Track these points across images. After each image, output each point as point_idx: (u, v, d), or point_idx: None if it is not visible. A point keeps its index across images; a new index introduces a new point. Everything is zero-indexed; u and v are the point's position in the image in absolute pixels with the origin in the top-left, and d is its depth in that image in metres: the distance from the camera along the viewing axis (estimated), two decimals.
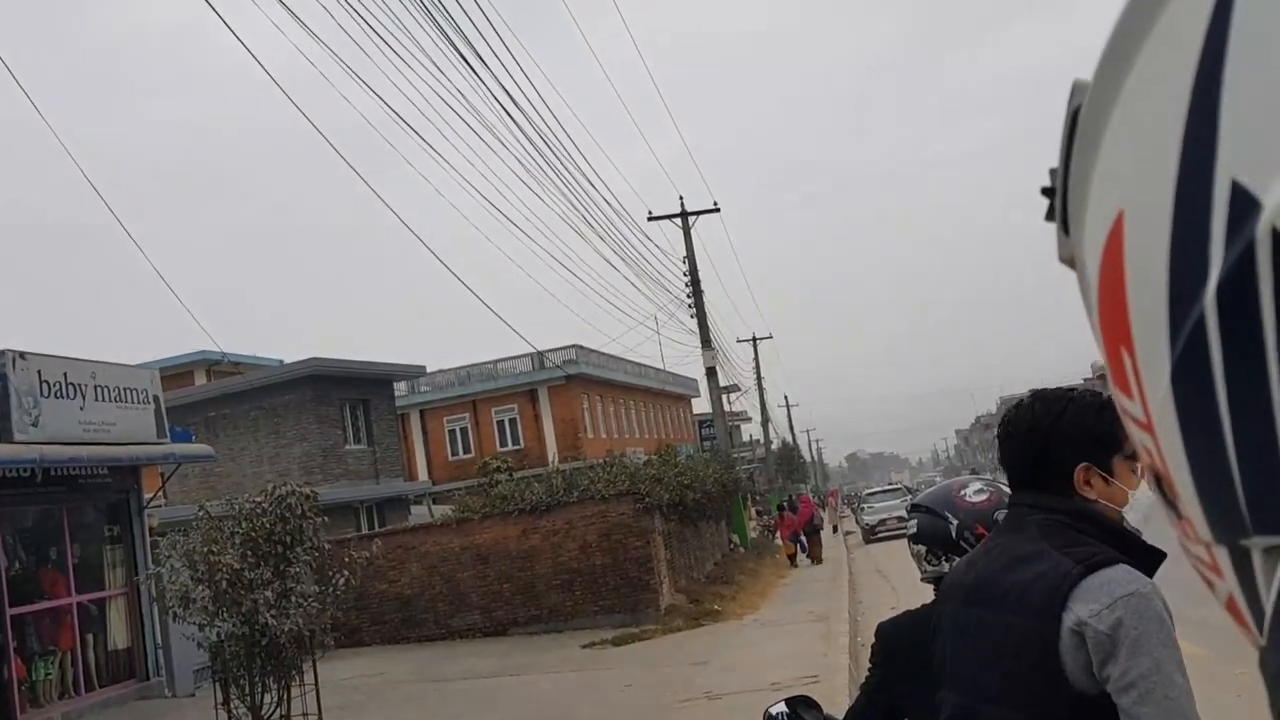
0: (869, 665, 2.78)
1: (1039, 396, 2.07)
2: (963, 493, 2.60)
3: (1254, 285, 0.49)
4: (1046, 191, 0.75)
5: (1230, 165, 0.50)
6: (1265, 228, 0.48)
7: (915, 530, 2.66)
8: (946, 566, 2.49)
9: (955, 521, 2.53)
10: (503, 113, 23.46)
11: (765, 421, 60.97)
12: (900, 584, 19.51)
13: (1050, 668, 1.78)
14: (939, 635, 2.11)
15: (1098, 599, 1.75)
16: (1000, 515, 2.34)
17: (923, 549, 2.61)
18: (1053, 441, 1.98)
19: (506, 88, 34.03)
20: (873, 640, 2.77)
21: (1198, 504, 0.56)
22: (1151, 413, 0.58)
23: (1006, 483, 2.22)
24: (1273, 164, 0.48)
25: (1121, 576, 1.78)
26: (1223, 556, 0.56)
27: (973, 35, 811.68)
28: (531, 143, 27.93)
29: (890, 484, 46.00)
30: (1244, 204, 0.49)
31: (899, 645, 2.58)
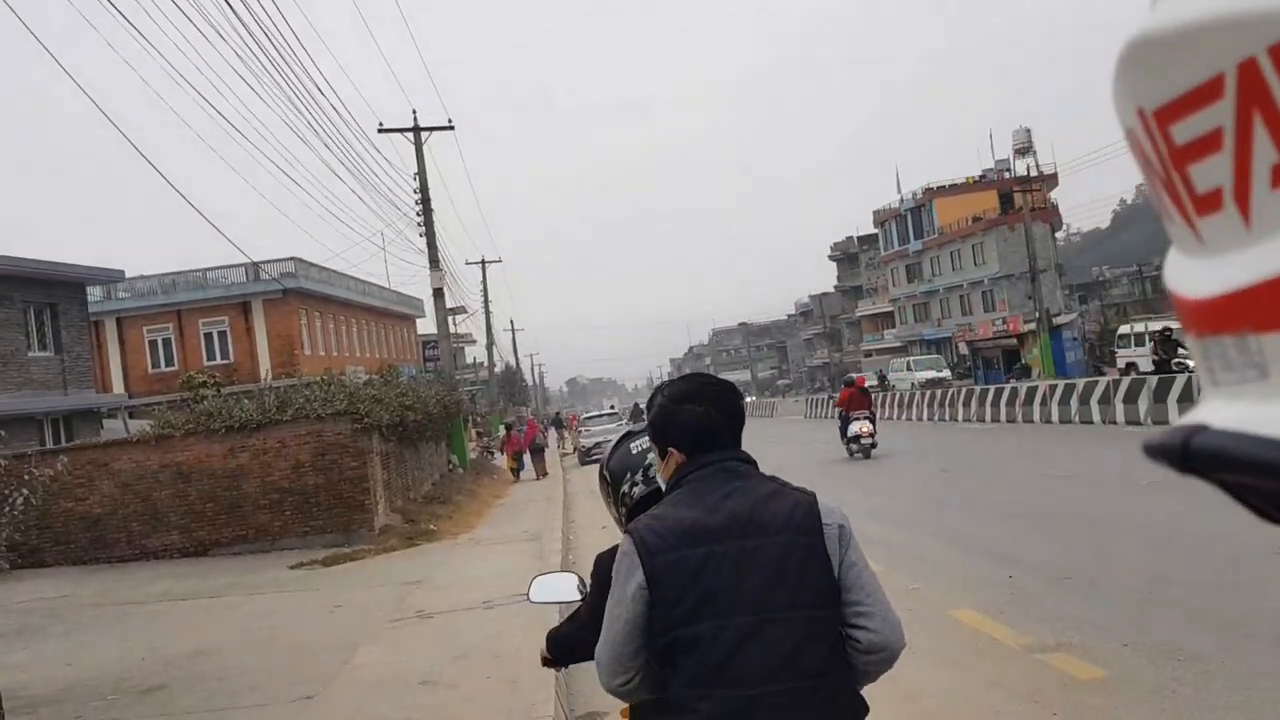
0: (581, 595, 3.10)
1: (716, 380, 2.76)
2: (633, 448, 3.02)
3: None
4: None
5: None
6: None
7: (613, 492, 3.01)
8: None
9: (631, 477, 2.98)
10: None
11: (490, 345, 60.89)
12: None
13: (824, 563, 2.42)
14: (701, 573, 2.37)
15: (832, 514, 2.48)
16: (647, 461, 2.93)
17: (622, 511, 2.96)
18: (739, 411, 2.64)
19: None
20: (591, 569, 2.95)
21: None
22: None
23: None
24: None
25: (829, 503, 2.53)
26: None
27: None
28: (250, 34, 26.12)
29: (608, 409, 47.13)
30: None
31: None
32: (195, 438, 16.45)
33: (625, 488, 2.95)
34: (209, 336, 41.30)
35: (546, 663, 3.21)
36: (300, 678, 7.76)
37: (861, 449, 22.54)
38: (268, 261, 37.38)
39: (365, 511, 16.42)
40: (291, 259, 40.59)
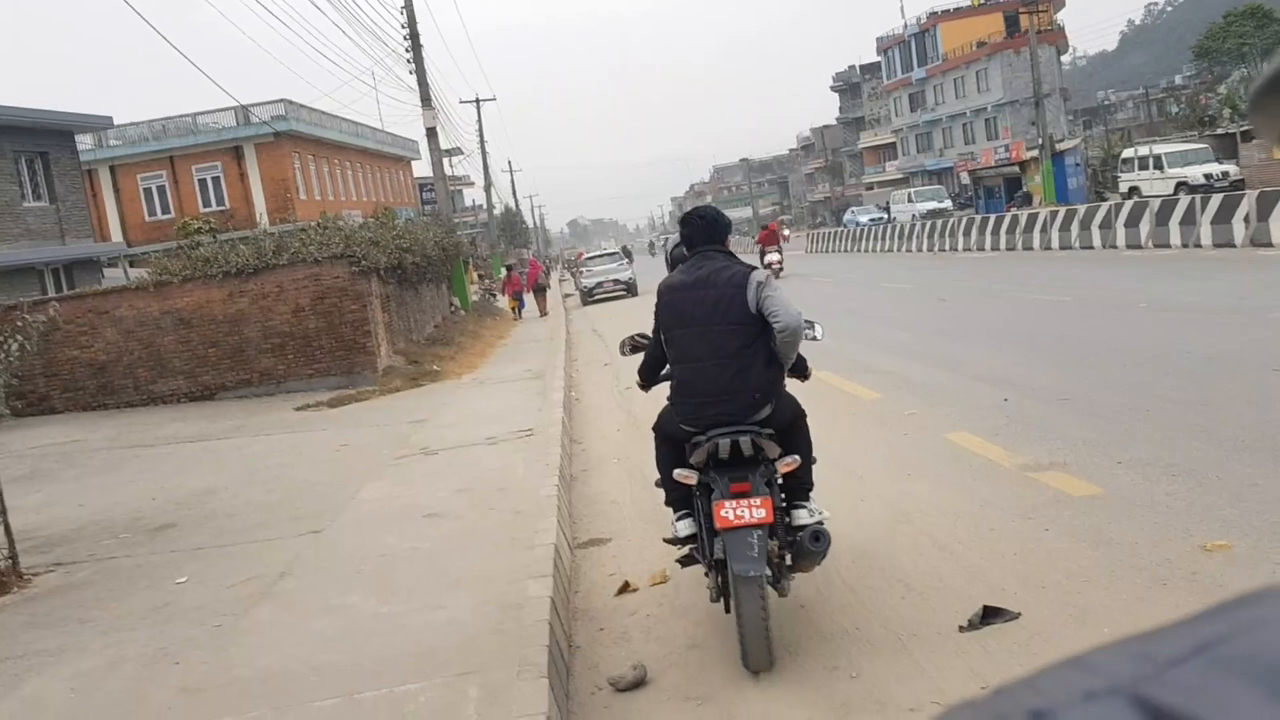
0: (655, 319, 4.90)
1: (708, 209, 5.04)
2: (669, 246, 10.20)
3: None
4: None
5: None
6: None
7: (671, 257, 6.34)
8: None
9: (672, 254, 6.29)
10: None
11: (488, 186, 60.08)
12: (613, 342, 20.25)
13: (743, 300, 4.50)
14: (678, 305, 4.70)
15: (759, 275, 4.59)
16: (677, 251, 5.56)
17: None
18: (719, 226, 4.87)
19: None
20: (654, 303, 4.90)
21: None
22: None
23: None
24: None
25: (760, 270, 4.68)
26: None
27: None
28: None
29: (607, 249, 46.79)
30: None
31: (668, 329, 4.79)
32: (194, 284, 16.40)
33: (669, 257, 6.92)
34: (203, 183, 40.75)
35: (641, 387, 5.31)
36: (307, 513, 7.91)
37: (774, 273, 31.21)
38: (257, 105, 36.59)
39: (367, 353, 16.49)
40: (281, 101, 39.68)
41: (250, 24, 37.87)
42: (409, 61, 29.04)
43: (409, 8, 28.65)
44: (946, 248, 34.63)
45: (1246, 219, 20.19)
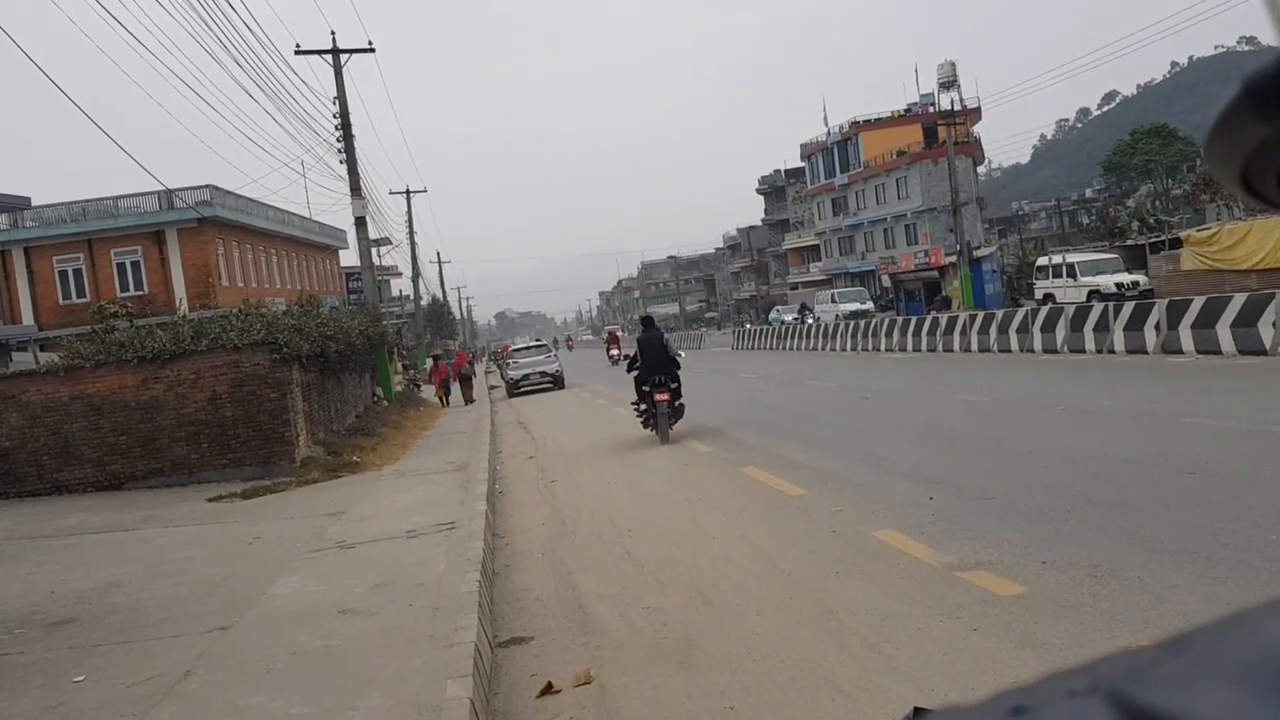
0: (634, 360, 16.48)
1: (649, 315, 18.38)
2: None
3: None
4: None
5: None
6: None
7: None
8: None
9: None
10: None
11: (415, 276, 59.90)
12: (540, 435, 20.05)
13: (664, 341, 16.48)
14: (641, 354, 16.24)
15: (667, 336, 17.10)
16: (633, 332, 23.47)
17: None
18: (653, 320, 17.51)
19: None
20: (628, 355, 17.47)
21: None
22: None
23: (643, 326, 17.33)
24: None
25: (668, 334, 18.20)
26: None
27: None
28: None
29: (536, 340, 46.74)
30: None
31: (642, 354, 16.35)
32: (107, 369, 15.94)
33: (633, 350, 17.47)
34: (122, 267, 40.01)
35: (629, 370, 16.74)
36: (215, 609, 7.57)
37: (614, 362, 44.78)
38: (183, 189, 36.19)
39: (285, 443, 16.11)
40: (207, 186, 39.33)
41: (178, 107, 37.75)
42: (340, 150, 29.07)
43: (341, 97, 28.77)
44: (869, 348, 35.22)
45: (1157, 326, 20.87)
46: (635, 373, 16.29)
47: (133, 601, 8.14)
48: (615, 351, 49.13)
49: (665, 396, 15.73)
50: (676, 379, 15.96)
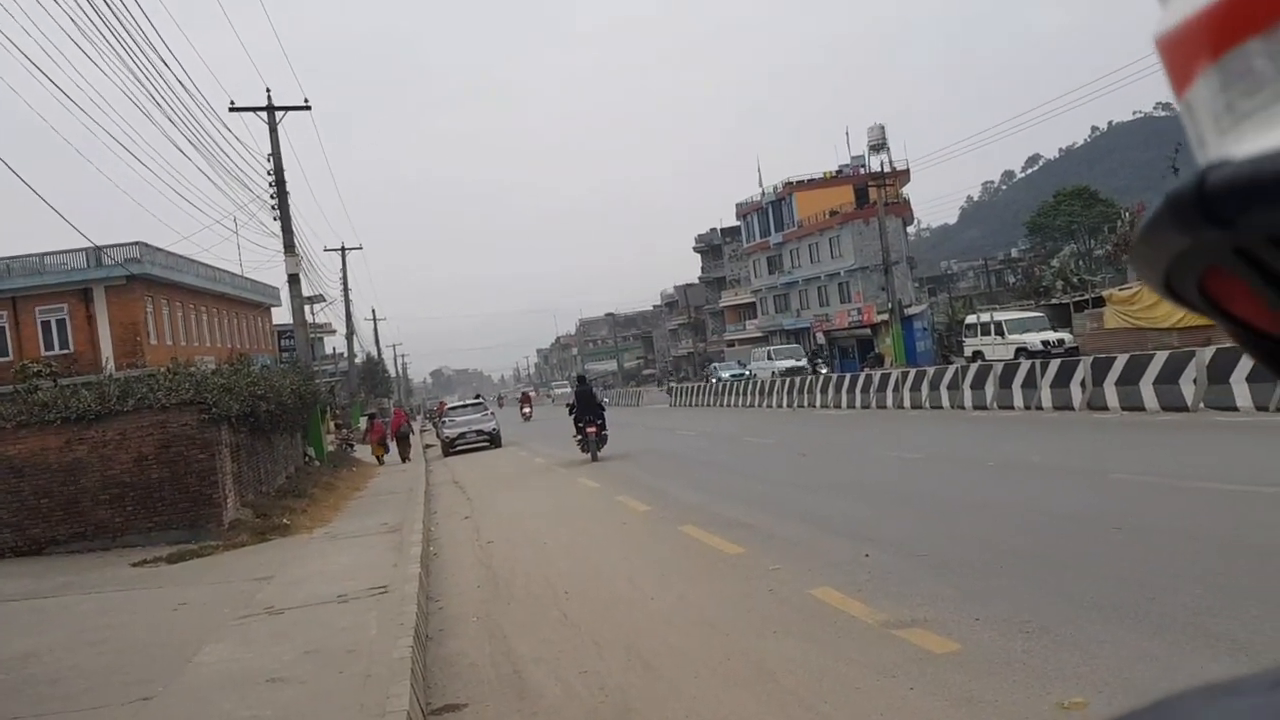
0: (572, 406, 24.17)
1: (585, 374, 31.63)
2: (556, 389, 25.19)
3: None
4: None
5: None
6: None
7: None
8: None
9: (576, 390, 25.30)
10: None
11: (350, 334, 59.26)
12: (474, 494, 19.85)
13: (595, 395, 24.65)
14: (578, 402, 23.90)
15: (598, 392, 27.53)
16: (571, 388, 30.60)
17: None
18: (587, 379, 26.78)
19: None
20: (569, 403, 24.99)
21: None
22: None
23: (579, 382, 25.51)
24: None
25: (599, 391, 29.33)
26: None
27: None
28: None
29: (474, 398, 46.41)
30: None
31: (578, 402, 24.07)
32: (28, 430, 15.49)
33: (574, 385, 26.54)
34: (47, 325, 39.14)
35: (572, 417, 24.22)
36: (139, 678, 7.33)
37: (525, 418, 52.15)
38: (111, 246, 35.59)
39: (213, 506, 15.75)
40: (136, 243, 38.73)
41: (108, 163, 37.21)
42: (273, 207, 28.84)
43: (276, 154, 28.61)
44: (805, 404, 35.52)
45: (1083, 384, 21.34)
46: (574, 415, 23.82)
47: (52, 672, 7.85)
48: (528, 410, 55.56)
49: (594, 429, 23.36)
50: (602, 417, 23.64)
